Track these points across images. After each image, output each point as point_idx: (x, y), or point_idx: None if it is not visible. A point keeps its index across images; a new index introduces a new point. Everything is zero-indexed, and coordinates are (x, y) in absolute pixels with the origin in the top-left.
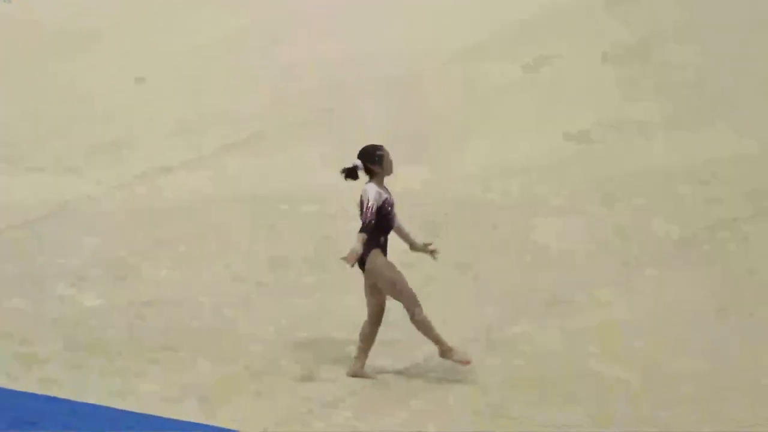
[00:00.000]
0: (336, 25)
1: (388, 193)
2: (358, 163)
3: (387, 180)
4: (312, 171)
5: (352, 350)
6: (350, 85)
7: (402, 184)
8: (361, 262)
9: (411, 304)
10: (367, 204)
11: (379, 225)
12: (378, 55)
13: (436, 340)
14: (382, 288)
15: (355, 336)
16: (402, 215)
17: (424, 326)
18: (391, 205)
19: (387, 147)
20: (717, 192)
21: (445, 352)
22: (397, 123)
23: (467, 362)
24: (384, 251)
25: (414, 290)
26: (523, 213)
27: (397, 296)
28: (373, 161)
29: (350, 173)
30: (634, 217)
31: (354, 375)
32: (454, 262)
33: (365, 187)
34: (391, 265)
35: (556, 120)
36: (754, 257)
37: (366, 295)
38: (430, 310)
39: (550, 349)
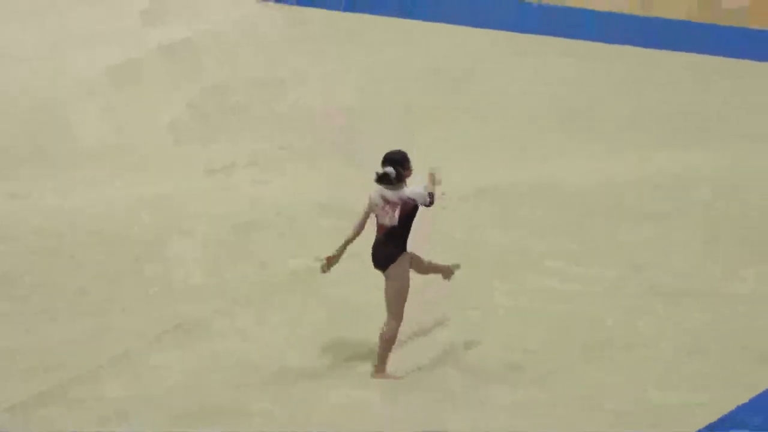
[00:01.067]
0: None
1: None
2: (390, 169)
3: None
4: None
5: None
6: None
7: None
8: (386, 260)
9: (398, 320)
10: (424, 193)
11: (409, 227)
12: None
13: (382, 360)
14: (388, 287)
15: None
16: None
17: (387, 344)
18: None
19: None
20: None
21: (378, 371)
22: None
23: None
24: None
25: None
26: None
27: (394, 304)
28: (405, 166)
29: (385, 179)
30: None
31: (379, 376)
32: None
33: (405, 190)
34: (408, 277)
35: None
36: None
37: (386, 295)
38: None
39: None
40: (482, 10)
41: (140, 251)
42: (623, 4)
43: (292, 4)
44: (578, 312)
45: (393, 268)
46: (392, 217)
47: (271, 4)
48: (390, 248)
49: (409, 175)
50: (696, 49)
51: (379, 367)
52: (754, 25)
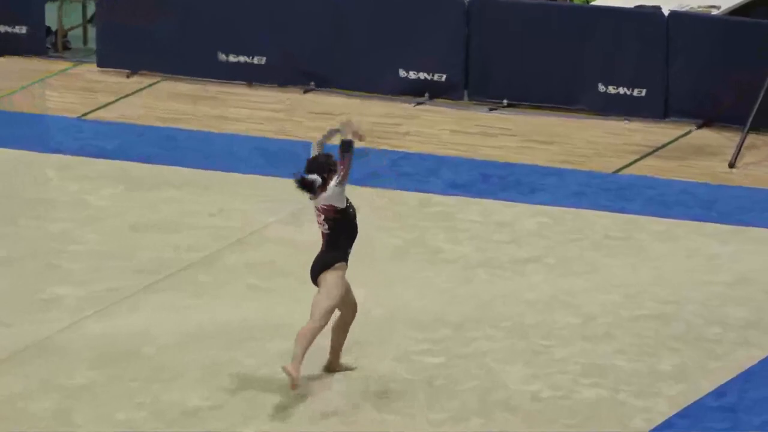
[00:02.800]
0: None
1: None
2: (316, 177)
3: None
4: None
5: None
6: None
7: None
8: (321, 267)
9: (325, 319)
10: (335, 191)
11: (347, 231)
12: None
13: (299, 358)
14: (319, 292)
15: None
16: None
17: (306, 340)
18: (353, 206)
19: None
20: None
21: (290, 371)
22: None
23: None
24: (346, 264)
25: None
26: None
27: (318, 306)
28: (329, 169)
29: (307, 186)
30: None
31: (331, 369)
32: None
33: (322, 195)
34: (344, 286)
35: None
36: None
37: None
38: None
39: None
40: None
41: None
42: None
43: None
44: None
45: (327, 274)
46: (323, 225)
47: None
48: (327, 256)
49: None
50: None
51: (293, 365)
52: None
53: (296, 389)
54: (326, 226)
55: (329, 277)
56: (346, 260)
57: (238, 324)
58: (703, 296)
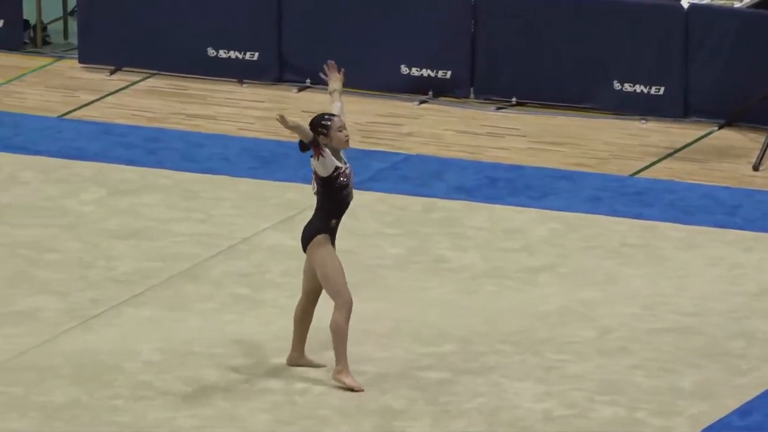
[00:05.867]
0: None
1: (345, 164)
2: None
3: None
4: None
5: None
6: None
7: None
8: (304, 240)
9: (340, 306)
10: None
11: (331, 202)
12: None
13: (343, 361)
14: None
15: None
16: None
17: (339, 335)
18: (347, 176)
19: None
20: None
21: (349, 384)
22: None
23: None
24: (333, 237)
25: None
26: None
27: (327, 287)
28: (321, 131)
29: (301, 146)
30: None
31: (293, 364)
32: None
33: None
34: (331, 256)
35: None
36: None
37: (304, 271)
38: None
39: None
40: None
41: None
42: None
43: None
44: None
45: (311, 252)
46: (314, 186)
47: None
48: (311, 227)
49: (328, 143)
50: None
51: (339, 368)
52: None
53: (361, 389)
54: (315, 189)
55: (315, 256)
56: (328, 232)
57: (226, 338)
58: (726, 308)
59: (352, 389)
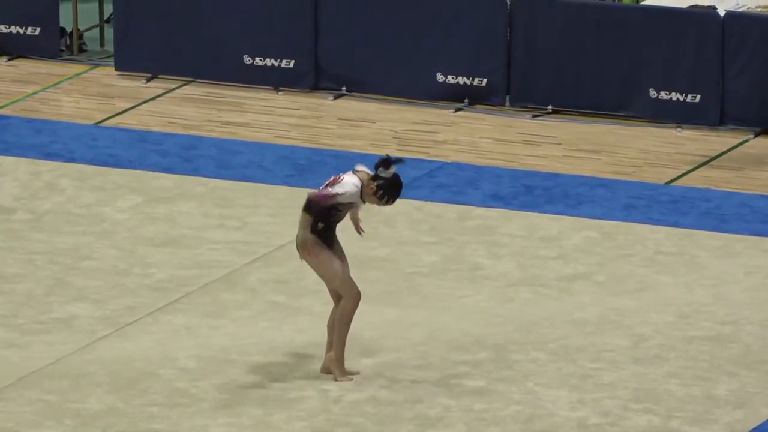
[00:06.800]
0: None
1: (358, 208)
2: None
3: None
4: None
5: None
6: None
7: None
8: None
9: (348, 298)
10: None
11: (319, 208)
12: None
13: (340, 355)
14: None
15: None
16: None
17: (340, 326)
18: (348, 211)
19: None
20: None
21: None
22: None
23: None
24: (326, 238)
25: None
26: None
27: (330, 284)
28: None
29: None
30: None
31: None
32: None
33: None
34: (324, 255)
35: None
36: None
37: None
38: None
39: None
40: None
41: None
42: None
43: None
44: None
45: (306, 260)
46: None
47: None
48: (298, 233)
49: (368, 195)
50: None
51: (334, 356)
52: None
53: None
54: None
55: (311, 263)
56: (315, 233)
57: (262, 345)
58: (763, 316)
59: (336, 380)
